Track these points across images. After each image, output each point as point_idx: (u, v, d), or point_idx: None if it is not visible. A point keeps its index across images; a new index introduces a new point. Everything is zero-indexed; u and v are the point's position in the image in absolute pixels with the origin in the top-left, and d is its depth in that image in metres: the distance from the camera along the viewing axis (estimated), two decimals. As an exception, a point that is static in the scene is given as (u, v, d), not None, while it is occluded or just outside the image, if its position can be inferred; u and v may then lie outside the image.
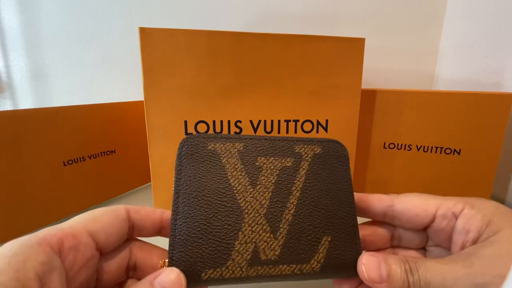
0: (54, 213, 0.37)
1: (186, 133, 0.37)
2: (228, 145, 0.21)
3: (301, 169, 0.21)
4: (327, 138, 0.23)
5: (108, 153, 0.43)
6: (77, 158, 0.39)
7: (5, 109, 0.62)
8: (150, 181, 0.40)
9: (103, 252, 0.18)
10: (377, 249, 0.22)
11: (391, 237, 0.22)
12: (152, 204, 0.40)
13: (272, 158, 0.21)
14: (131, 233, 0.20)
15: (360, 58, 0.38)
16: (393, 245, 0.23)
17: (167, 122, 0.37)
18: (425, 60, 0.63)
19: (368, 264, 0.17)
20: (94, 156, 0.41)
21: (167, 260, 0.17)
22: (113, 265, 0.18)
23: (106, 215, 0.18)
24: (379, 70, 0.63)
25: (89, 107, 0.40)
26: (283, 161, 0.21)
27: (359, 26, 0.61)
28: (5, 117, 0.32)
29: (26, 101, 0.62)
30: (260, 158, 0.21)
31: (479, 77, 0.52)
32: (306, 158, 0.21)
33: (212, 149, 0.21)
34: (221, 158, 0.20)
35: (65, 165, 0.38)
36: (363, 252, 0.18)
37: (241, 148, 0.21)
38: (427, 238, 0.21)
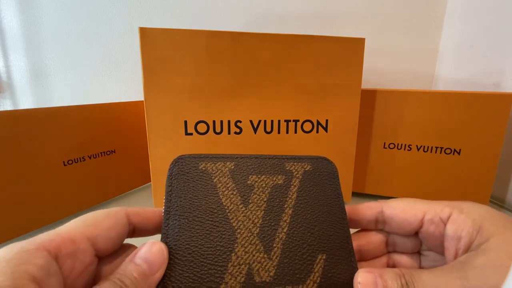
0: (54, 213, 0.37)
1: (186, 133, 0.37)
2: (219, 164, 0.21)
3: (292, 186, 0.21)
4: (316, 156, 0.23)
5: (108, 153, 0.43)
6: (77, 158, 0.39)
7: (5, 109, 0.62)
8: (150, 181, 0.40)
9: (101, 257, 0.17)
10: (373, 257, 0.22)
11: (386, 243, 0.22)
12: (152, 204, 0.40)
13: (263, 176, 0.21)
14: (131, 235, 0.19)
15: (360, 58, 0.38)
16: (389, 250, 0.23)
17: (167, 122, 0.37)
18: (425, 60, 0.63)
19: (364, 282, 0.17)
20: (94, 156, 0.41)
21: None
22: (110, 270, 0.17)
23: (107, 219, 0.17)
24: (379, 70, 0.63)
25: (89, 107, 0.40)
26: (274, 178, 0.21)
27: (359, 26, 0.61)
28: (5, 117, 0.32)
29: (26, 101, 0.62)
30: (252, 177, 0.21)
31: (479, 77, 0.52)
32: (297, 176, 0.22)
33: (203, 168, 0.20)
34: (213, 178, 0.20)
35: (65, 165, 0.38)
36: (359, 269, 0.18)
37: (233, 167, 0.21)
38: (420, 243, 0.21)
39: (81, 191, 0.40)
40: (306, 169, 0.22)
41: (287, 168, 0.22)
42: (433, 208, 0.19)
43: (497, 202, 0.47)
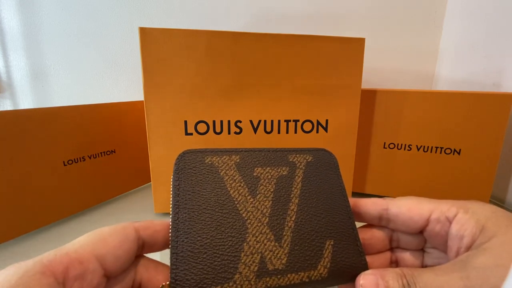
0: (54, 213, 0.37)
1: (186, 133, 0.37)
2: (225, 158, 0.21)
3: (296, 177, 0.22)
4: (316, 148, 0.24)
5: (108, 153, 0.43)
6: (77, 158, 0.39)
7: (5, 109, 0.62)
8: (150, 181, 0.40)
9: (110, 277, 0.16)
10: (377, 251, 0.22)
11: (390, 239, 0.22)
12: (152, 204, 0.40)
13: (268, 168, 0.22)
14: (141, 251, 0.19)
15: (360, 58, 0.38)
16: (392, 246, 0.23)
17: (167, 122, 0.37)
18: (425, 60, 0.63)
19: (366, 284, 0.17)
20: (94, 156, 0.41)
21: (168, 283, 0.16)
22: None
23: (115, 236, 0.16)
24: (379, 70, 0.63)
25: (89, 107, 0.40)
26: (279, 170, 0.22)
27: (359, 26, 0.61)
28: (5, 117, 0.32)
29: (26, 101, 0.62)
30: (257, 169, 0.21)
31: (479, 77, 0.52)
32: (300, 167, 0.22)
33: (209, 162, 0.21)
34: (219, 171, 0.21)
35: (65, 165, 0.38)
36: (362, 272, 0.18)
37: (238, 160, 0.21)
38: (425, 240, 0.21)
39: (81, 191, 0.40)
40: (308, 160, 0.23)
41: (290, 160, 0.23)
42: (440, 207, 0.19)
43: (497, 202, 0.47)
